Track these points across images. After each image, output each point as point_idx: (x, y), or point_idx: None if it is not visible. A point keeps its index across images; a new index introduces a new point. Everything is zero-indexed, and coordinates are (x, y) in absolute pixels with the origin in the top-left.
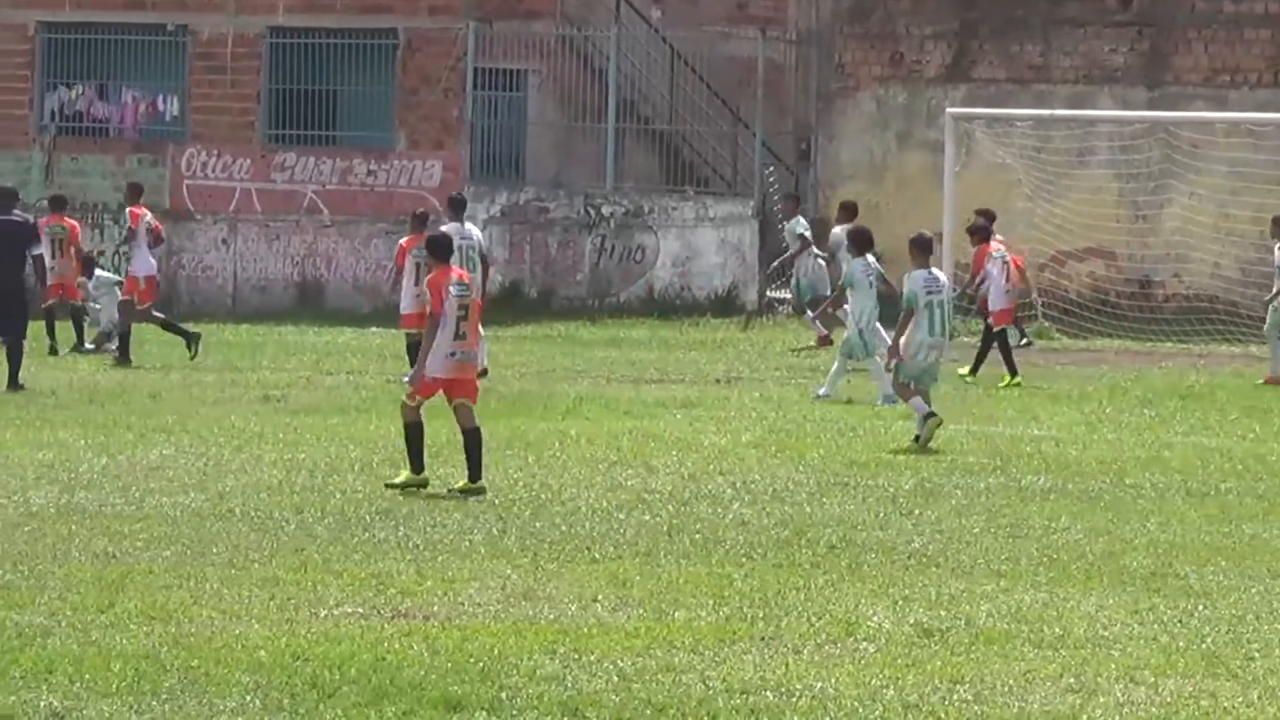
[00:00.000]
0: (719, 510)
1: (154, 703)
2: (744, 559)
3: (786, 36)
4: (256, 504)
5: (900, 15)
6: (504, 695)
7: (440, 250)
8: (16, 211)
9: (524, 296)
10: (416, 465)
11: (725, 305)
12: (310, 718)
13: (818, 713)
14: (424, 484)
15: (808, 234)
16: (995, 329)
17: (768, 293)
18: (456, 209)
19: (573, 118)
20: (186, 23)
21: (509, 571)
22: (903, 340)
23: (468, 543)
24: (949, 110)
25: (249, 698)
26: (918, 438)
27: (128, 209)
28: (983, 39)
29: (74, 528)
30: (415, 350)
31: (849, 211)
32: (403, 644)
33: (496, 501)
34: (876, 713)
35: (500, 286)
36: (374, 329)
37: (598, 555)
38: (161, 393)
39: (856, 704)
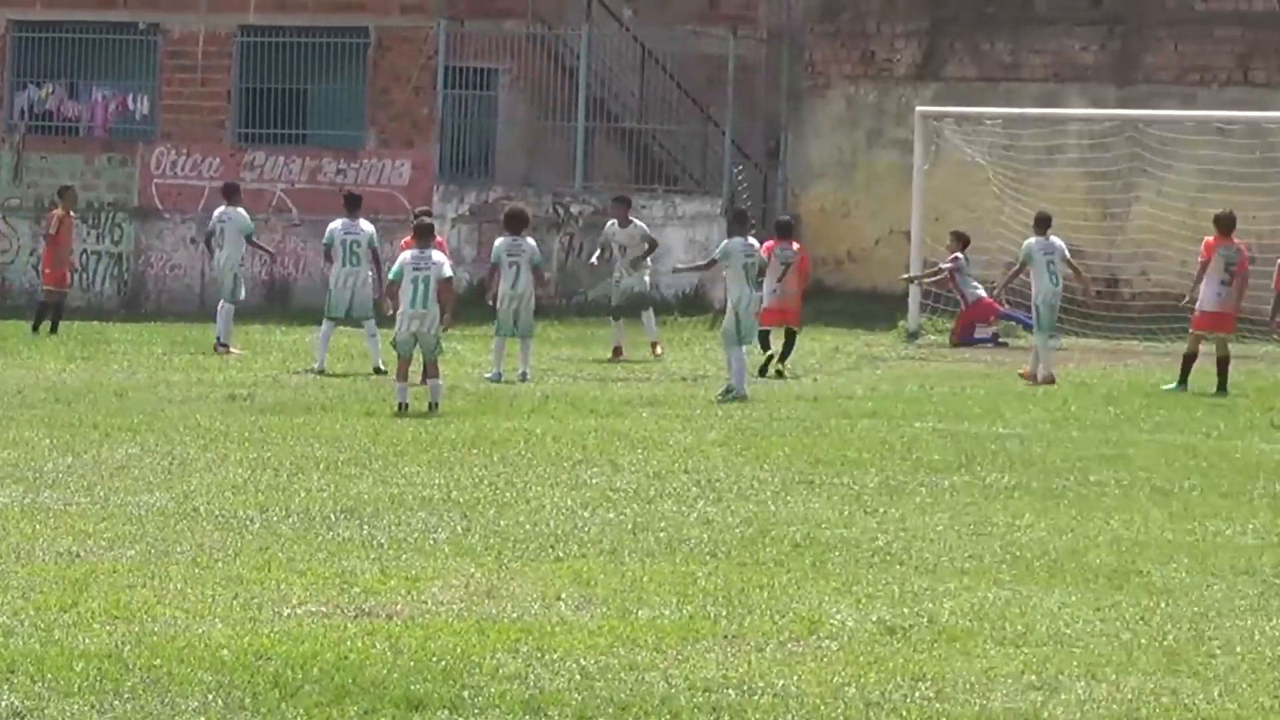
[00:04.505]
0: (683, 508)
1: (116, 702)
2: (708, 557)
3: (757, 35)
4: (221, 503)
5: (870, 14)
6: (466, 694)
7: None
8: None
9: None
10: None
11: (693, 304)
12: (272, 717)
13: (780, 710)
14: None
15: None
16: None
17: None
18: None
19: (543, 116)
20: (158, 21)
21: (473, 570)
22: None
23: (432, 541)
24: (918, 108)
25: (211, 697)
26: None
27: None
28: (953, 37)
29: (38, 526)
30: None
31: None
32: (365, 643)
33: (461, 500)
34: (839, 710)
35: (469, 286)
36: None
37: (561, 553)
38: (128, 391)
39: (819, 702)
